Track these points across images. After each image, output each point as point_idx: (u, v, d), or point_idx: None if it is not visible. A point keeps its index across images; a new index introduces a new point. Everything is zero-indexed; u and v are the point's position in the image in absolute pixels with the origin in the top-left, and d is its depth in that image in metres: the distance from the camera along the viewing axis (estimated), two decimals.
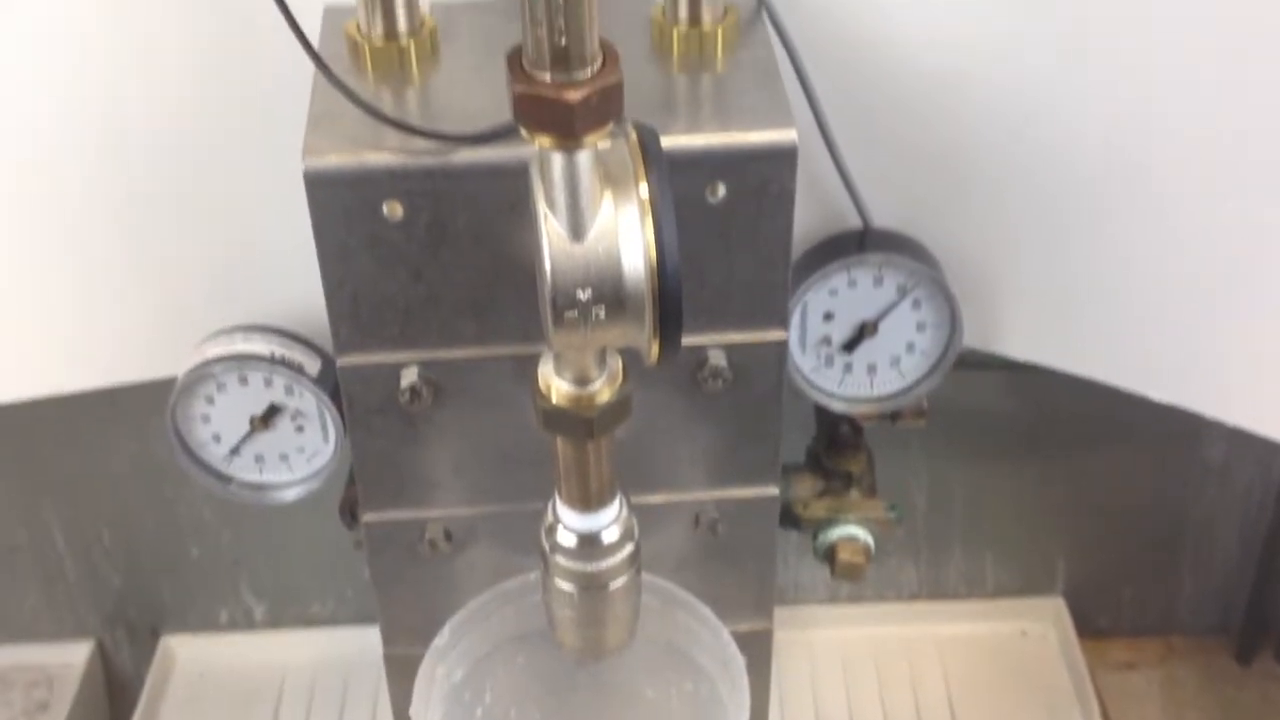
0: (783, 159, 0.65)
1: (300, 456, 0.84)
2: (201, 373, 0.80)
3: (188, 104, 0.76)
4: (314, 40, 0.65)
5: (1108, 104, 0.78)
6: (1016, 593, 1.29)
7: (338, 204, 0.64)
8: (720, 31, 0.68)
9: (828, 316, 0.82)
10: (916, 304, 0.82)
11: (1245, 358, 0.84)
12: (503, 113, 0.57)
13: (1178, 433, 1.19)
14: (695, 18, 0.68)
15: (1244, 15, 0.73)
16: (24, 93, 0.76)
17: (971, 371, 0.87)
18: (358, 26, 0.68)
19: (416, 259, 0.66)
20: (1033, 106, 0.78)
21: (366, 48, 0.67)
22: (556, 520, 0.63)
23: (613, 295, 0.54)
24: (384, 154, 0.63)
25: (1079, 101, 0.78)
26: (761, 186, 0.65)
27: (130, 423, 1.12)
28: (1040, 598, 1.29)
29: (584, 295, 0.54)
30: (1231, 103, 0.76)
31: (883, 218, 0.82)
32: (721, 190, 0.65)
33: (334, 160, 0.63)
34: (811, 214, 0.81)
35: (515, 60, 0.52)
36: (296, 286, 0.79)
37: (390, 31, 0.67)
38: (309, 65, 0.65)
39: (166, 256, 0.83)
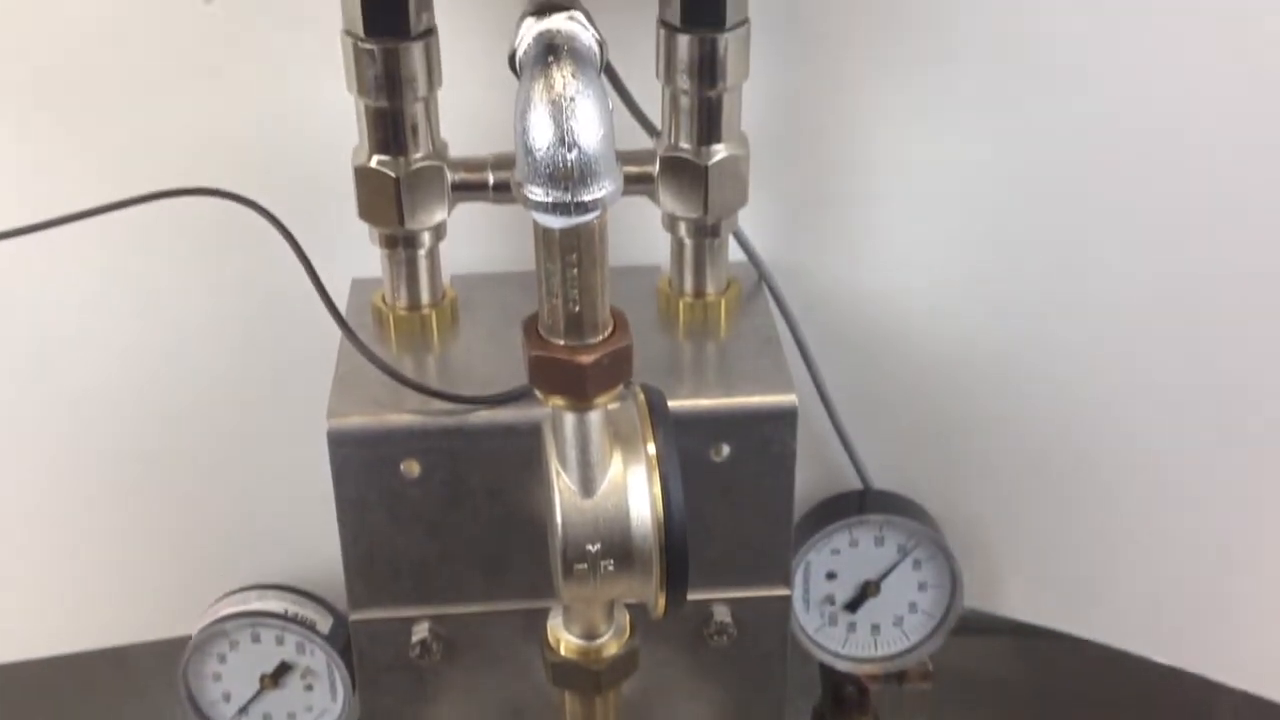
0: (784, 421, 0.68)
1: (308, 716, 0.84)
2: (215, 630, 0.81)
3: (212, 368, 0.80)
4: (342, 309, 0.70)
5: (1104, 372, 0.81)
6: None
7: (358, 462, 0.67)
8: (723, 302, 0.73)
9: (830, 576, 0.83)
10: (917, 564, 0.83)
11: (1252, 620, 0.85)
12: (517, 377, 0.61)
13: (1188, 699, 1.18)
14: (699, 290, 0.73)
15: (1225, 275, 0.78)
16: (51, 359, 0.80)
17: (978, 635, 0.88)
18: (383, 298, 0.72)
19: (431, 516, 0.68)
20: (1028, 373, 0.82)
21: (391, 317, 0.72)
22: None
23: (621, 549, 0.57)
24: (404, 415, 0.67)
25: (1075, 368, 0.81)
26: (764, 446, 0.68)
27: (137, 681, 1.11)
28: None
29: (593, 549, 0.57)
30: (1226, 365, 0.80)
31: (883, 480, 0.85)
32: (725, 450, 0.68)
33: (356, 421, 0.67)
34: (813, 475, 0.84)
35: (531, 326, 0.56)
36: (309, 544, 0.81)
37: (414, 303, 0.71)
38: (333, 332, 0.69)
39: (183, 517, 0.85)
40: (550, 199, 0.51)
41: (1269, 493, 0.83)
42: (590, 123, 0.51)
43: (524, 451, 0.66)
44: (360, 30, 0.62)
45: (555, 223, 0.52)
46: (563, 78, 0.51)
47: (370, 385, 0.68)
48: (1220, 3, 0.71)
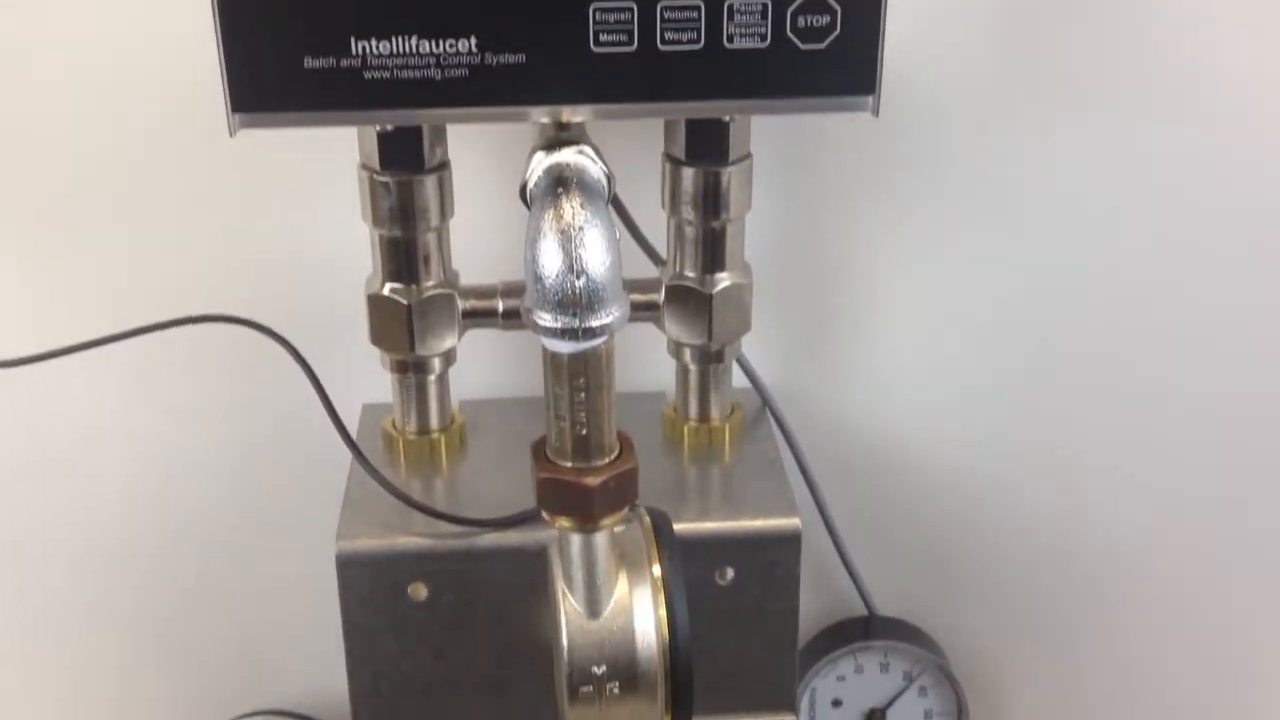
0: (787, 544, 0.69)
1: None
2: None
3: (222, 490, 0.81)
4: (353, 433, 0.71)
5: (1108, 497, 0.82)
6: None
7: (365, 585, 0.67)
8: (727, 427, 0.74)
9: (836, 703, 0.83)
10: (923, 691, 0.83)
11: None
12: (524, 500, 0.62)
13: None
14: (704, 414, 0.74)
15: (1227, 393, 0.79)
16: (64, 477, 0.81)
17: None
18: (393, 422, 0.73)
19: (438, 638, 0.69)
20: (1032, 497, 0.83)
21: (400, 441, 0.73)
22: None
23: (626, 672, 0.57)
24: (412, 538, 0.67)
25: (1079, 492, 0.82)
26: (768, 570, 0.69)
27: None
28: None
29: (599, 671, 0.57)
30: (1230, 509, 0.81)
31: (887, 604, 0.85)
32: (730, 573, 0.69)
33: (365, 543, 0.67)
34: (817, 600, 0.84)
35: (539, 449, 0.57)
36: (315, 669, 0.81)
37: (423, 427, 0.73)
38: (344, 456, 0.70)
39: (187, 640, 0.85)
40: (559, 325, 0.52)
41: (1275, 618, 0.83)
42: (598, 251, 0.52)
43: (531, 574, 0.67)
44: (376, 163, 0.64)
45: (564, 348, 0.53)
46: (572, 208, 0.53)
47: (379, 509, 0.69)
48: (1204, 129, 0.74)
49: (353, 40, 0.55)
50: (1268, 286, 0.78)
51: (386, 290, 0.68)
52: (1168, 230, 0.77)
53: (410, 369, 0.71)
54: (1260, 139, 0.74)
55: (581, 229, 0.52)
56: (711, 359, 0.72)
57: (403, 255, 0.67)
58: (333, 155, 0.69)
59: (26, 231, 0.75)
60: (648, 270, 0.73)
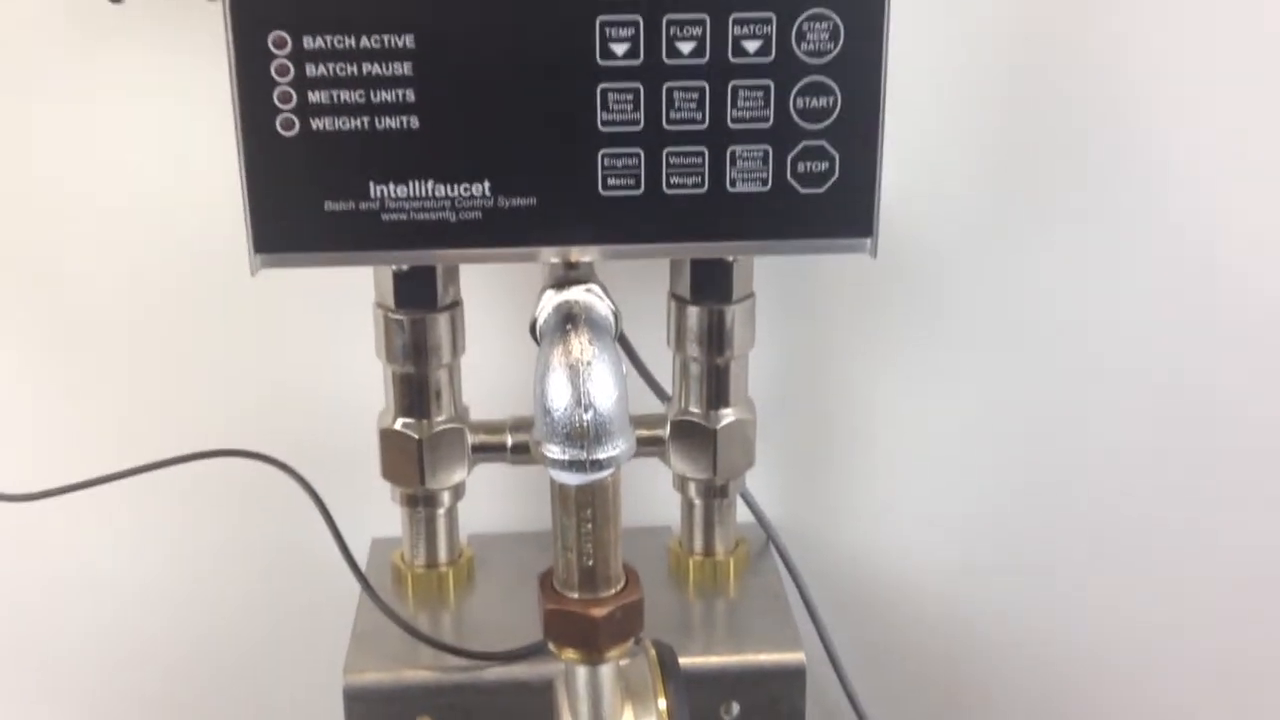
0: (792, 679, 0.69)
1: None
2: None
3: (232, 622, 0.82)
4: (362, 566, 0.72)
5: (1114, 628, 0.83)
6: None
7: (373, 719, 0.67)
8: (732, 561, 0.75)
9: None
10: None
11: None
12: (531, 634, 0.63)
13: None
14: (709, 549, 0.75)
15: (1230, 518, 0.79)
16: (75, 604, 0.82)
17: None
18: (402, 556, 0.74)
19: None
20: (1038, 630, 0.83)
21: (409, 575, 0.73)
22: None
23: None
24: (419, 671, 0.68)
25: (1085, 625, 0.83)
26: (773, 705, 0.69)
27: None
28: None
29: None
30: (1228, 634, 0.81)
31: None
32: (735, 708, 0.69)
33: (372, 677, 0.68)
34: None
35: (546, 580, 0.58)
36: None
37: (431, 560, 0.73)
38: (353, 588, 0.71)
39: None
40: (567, 457, 0.54)
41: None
42: (605, 385, 0.54)
43: (537, 708, 0.67)
44: (391, 302, 0.66)
45: (571, 480, 0.55)
46: (580, 344, 0.54)
47: (387, 642, 0.69)
48: (1202, 264, 0.76)
49: (371, 185, 0.58)
50: (1267, 415, 0.79)
51: (398, 425, 0.69)
52: (1165, 361, 0.78)
53: (420, 503, 0.72)
54: (1260, 276, 0.77)
55: (589, 364, 0.54)
56: (716, 493, 0.73)
57: (415, 391, 0.69)
58: (347, 294, 0.71)
59: (45, 364, 0.77)
60: (654, 406, 0.74)
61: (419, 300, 0.66)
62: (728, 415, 0.71)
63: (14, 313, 0.76)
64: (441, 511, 0.72)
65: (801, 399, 0.80)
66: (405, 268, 0.65)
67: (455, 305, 0.68)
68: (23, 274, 0.75)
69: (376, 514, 0.74)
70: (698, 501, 0.74)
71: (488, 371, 0.73)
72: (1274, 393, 0.79)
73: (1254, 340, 0.78)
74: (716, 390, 0.70)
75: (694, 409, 0.71)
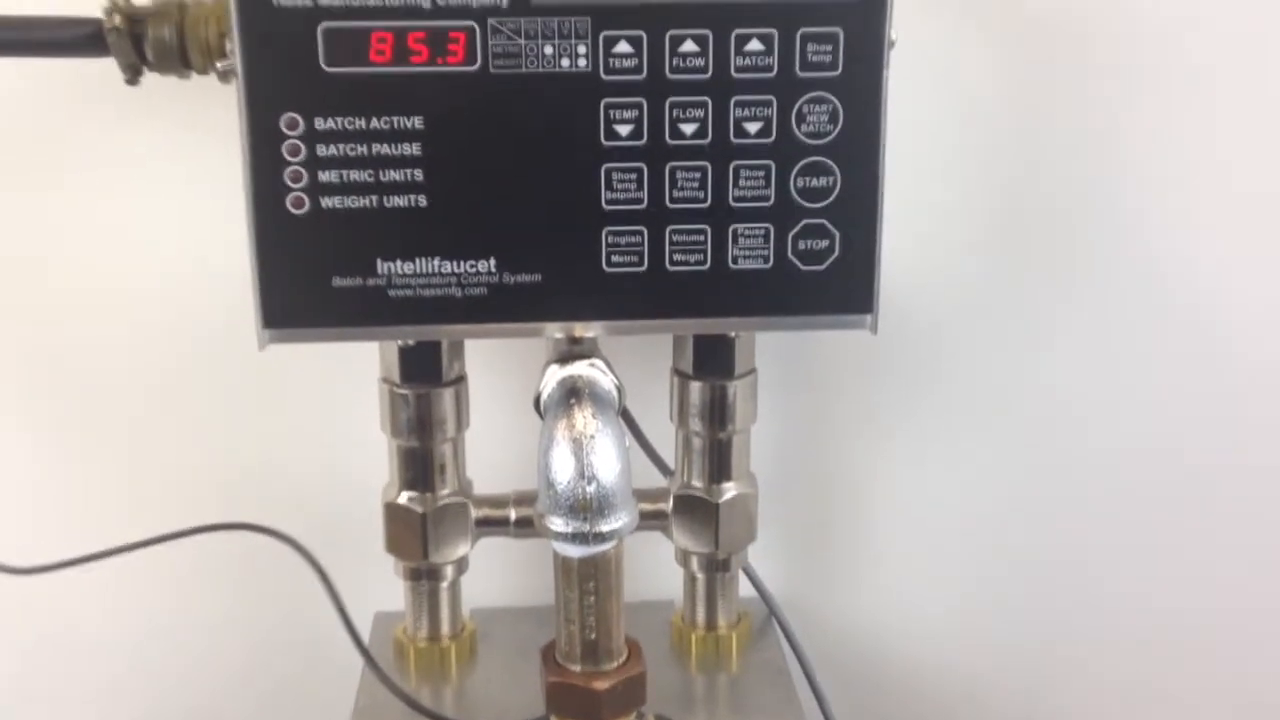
0: None
1: None
2: None
3: (234, 695, 0.82)
4: (365, 640, 0.72)
5: (1107, 712, 0.82)
6: None
7: None
8: (734, 635, 0.75)
9: None
10: None
11: None
12: (533, 708, 0.63)
13: None
14: (711, 623, 0.75)
15: (1233, 600, 0.80)
16: (77, 676, 0.82)
17: None
18: (405, 630, 0.74)
19: None
20: (1042, 703, 0.83)
21: (412, 649, 0.74)
22: None
23: None
24: None
25: (1090, 698, 0.83)
26: None
27: None
28: None
29: None
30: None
31: None
32: None
33: None
34: None
35: (549, 654, 0.58)
36: None
37: (434, 634, 0.74)
38: (356, 662, 0.71)
39: None
40: (570, 529, 0.54)
41: None
42: (609, 458, 0.55)
43: None
44: (397, 377, 0.67)
45: (574, 552, 0.55)
46: (584, 417, 0.55)
47: (390, 716, 0.69)
48: (1204, 350, 0.77)
49: (379, 262, 0.59)
50: (1264, 493, 0.79)
51: (403, 499, 0.70)
52: (1164, 444, 0.79)
53: (423, 576, 0.72)
54: (1259, 354, 0.77)
55: (593, 437, 0.55)
56: (718, 567, 0.74)
57: (419, 465, 0.69)
58: (352, 368, 0.72)
59: (49, 437, 0.78)
60: (656, 480, 0.75)
61: (424, 375, 0.67)
62: (730, 489, 0.71)
63: (20, 384, 0.77)
64: (444, 585, 0.73)
65: (803, 473, 0.80)
66: (411, 343, 0.66)
67: (460, 380, 0.69)
68: (28, 345, 0.76)
69: (380, 587, 0.74)
70: (700, 575, 0.74)
71: (492, 446, 0.73)
72: (1272, 471, 0.79)
73: (1252, 418, 0.79)
74: (719, 464, 0.71)
75: (696, 483, 0.71)
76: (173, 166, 0.73)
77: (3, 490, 0.78)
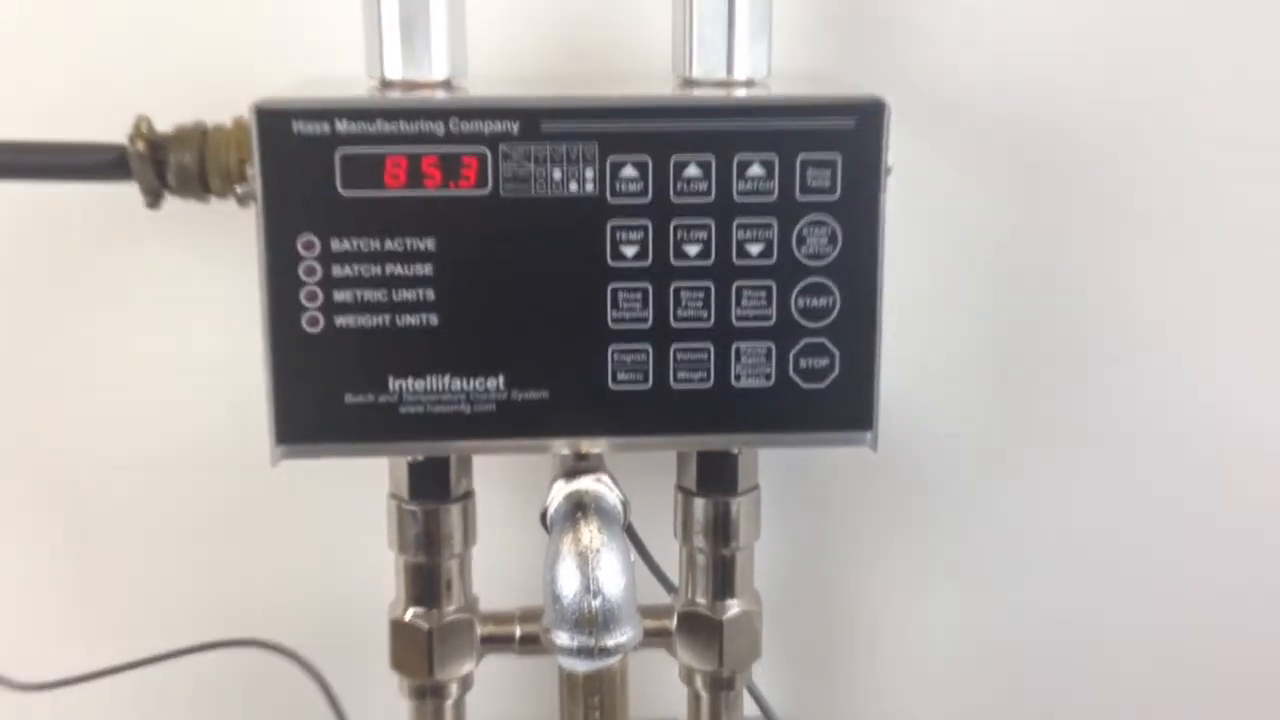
0: None
1: None
2: None
3: None
4: None
5: None
6: None
7: None
8: None
9: None
10: None
11: None
12: None
13: None
14: None
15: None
16: None
17: None
18: None
19: None
20: None
21: None
22: None
23: None
24: None
25: None
26: None
27: None
28: None
29: None
30: None
31: None
32: None
33: None
34: None
35: None
36: None
37: None
38: None
39: None
40: (575, 644, 0.55)
41: None
42: (614, 573, 0.55)
43: None
44: (405, 493, 0.68)
45: (579, 666, 0.55)
46: (590, 532, 0.56)
47: None
48: (1202, 476, 0.78)
49: (390, 379, 0.60)
50: (1269, 627, 0.80)
51: (409, 616, 0.70)
52: (1166, 568, 0.79)
53: (428, 694, 0.72)
54: (1260, 486, 0.78)
55: (598, 551, 0.55)
56: (723, 685, 0.73)
57: (426, 581, 0.70)
58: (359, 485, 0.72)
59: (57, 553, 0.78)
60: (660, 597, 0.75)
61: (432, 491, 0.68)
62: (734, 607, 0.71)
63: (30, 498, 0.78)
64: (449, 703, 0.72)
65: (807, 591, 0.80)
66: (420, 458, 0.67)
67: (468, 496, 0.69)
68: (39, 460, 0.77)
69: (384, 704, 0.74)
70: (704, 694, 0.74)
71: (497, 562, 0.74)
72: (1275, 599, 0.80)
73: (1254, 551, 0.79)
74: (723, 582, 0.71)
75: (700, 600, 0.72)
76: (186, 287, 0.75)
77: (9, 604, 0.78)
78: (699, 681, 0.74)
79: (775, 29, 0.63)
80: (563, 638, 0.55)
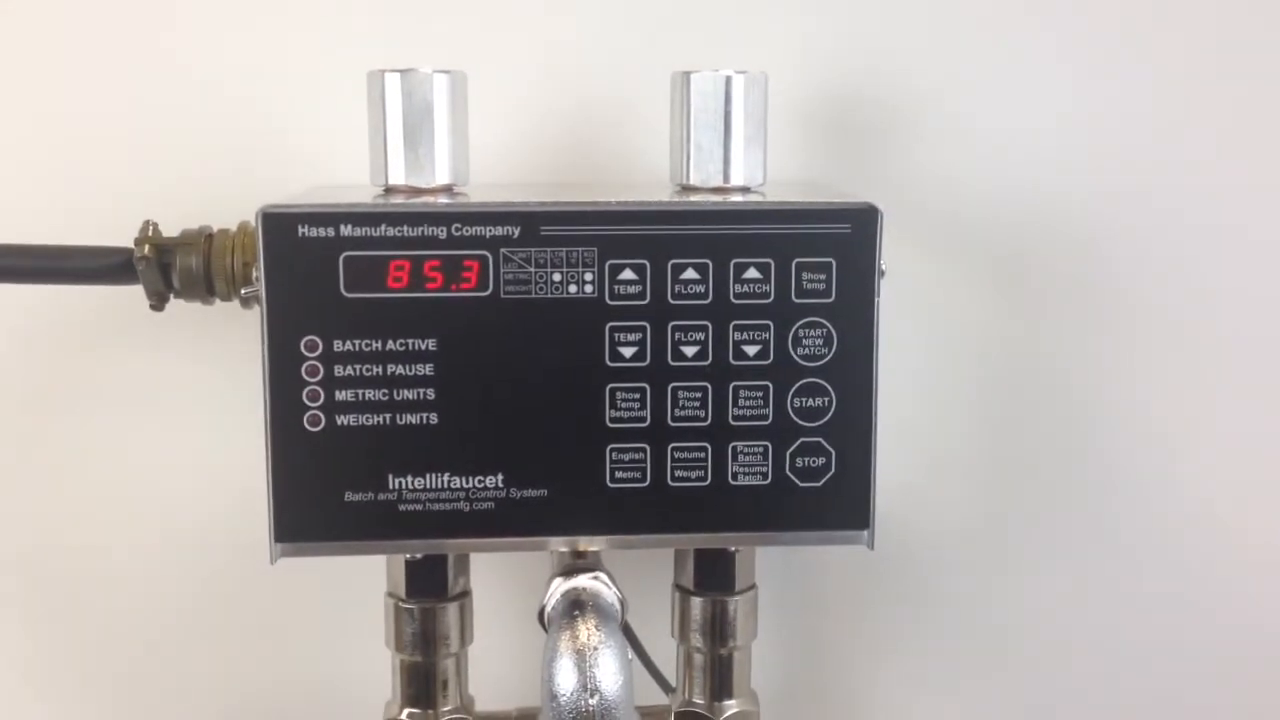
0: None
1: None
2: None
3: None
4: None
5: None
6: None
7: None
8: None
9: None
10: None
11: None
12: None
13: None
14: None
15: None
16: None
17: None
18: None
19: None
20: None
21: None
22: None
23: None
24: None
25: None
26: None
27: None
28: None
29: None
30: None
31: None
32: None
33: None
34: None
35: None
36: None
37: None
38: None
39: None
40: None
41: None
42: (611, 671, 0.55)
43: None
44: (402, 591, 0.68)
45: None
46: (587, 629, 0.56)
47: None
48: (1200, 575, 0.78)
49: (390, 477, 0.61)
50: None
51: (404, 715, 0.70)
52: (1162, 679, 0.79)
53: None
54: (1260, 595, 0.78)
55: (596, 649, 0.56)
56: None
57: (422, 680, 0.69)
58: (354, 584, 0.72)
59: (51, 654, 0.78)
60: (658, 697, 0.75)
61: (430, 589, 0.68)
62: (731, 707, 0.71)
63: (23, 599, 0.77)
64: None
65: (804, 691, 0.80)
66: (418, 557, 0.67)
67: (465, 595, 0.70)
68: (32, 560, 0.77)
69: None
70: None
71: (494, 661, 0.74)
72: (1277, 698, 0.80)
73: (1252, 662, 0.79)
74: (720, 681, 0.71)
75: (698, 699, 0.71)
76: (184, 390, 0.75)
77: (5, 703, 0.78)
78: None
79: (770, 137, 0.65)
80: None
